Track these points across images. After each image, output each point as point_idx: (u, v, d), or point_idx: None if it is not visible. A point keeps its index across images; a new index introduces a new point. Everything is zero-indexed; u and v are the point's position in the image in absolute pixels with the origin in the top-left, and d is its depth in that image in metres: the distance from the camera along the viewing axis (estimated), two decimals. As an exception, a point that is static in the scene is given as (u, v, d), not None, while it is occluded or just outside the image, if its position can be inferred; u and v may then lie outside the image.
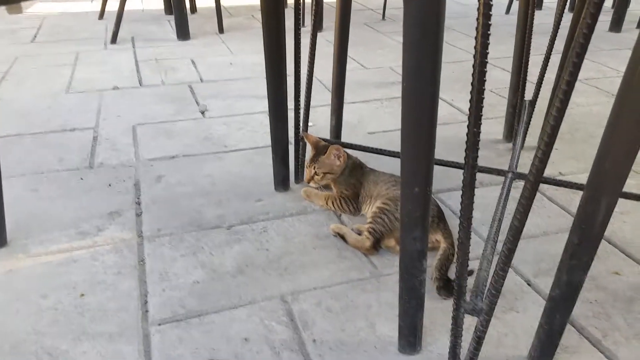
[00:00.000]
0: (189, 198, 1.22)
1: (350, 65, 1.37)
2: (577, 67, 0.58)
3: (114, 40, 2.49)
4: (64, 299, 0.91)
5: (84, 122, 1.63)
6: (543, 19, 2.70)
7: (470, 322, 0.83)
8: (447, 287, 0.92)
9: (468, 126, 0.61)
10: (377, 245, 1.03)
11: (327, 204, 1.19)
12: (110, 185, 1.27)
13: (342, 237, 1.07)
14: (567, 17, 1.27)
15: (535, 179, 0.62)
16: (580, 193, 0.68)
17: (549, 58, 1.33)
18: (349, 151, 1.24)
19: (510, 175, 1.11)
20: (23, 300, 0.91)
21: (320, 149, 1.20)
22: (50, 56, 2.29)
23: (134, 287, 0.94)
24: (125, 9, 2.50)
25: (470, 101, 0.59)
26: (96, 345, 0.81)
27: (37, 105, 1.75)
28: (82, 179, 1.30)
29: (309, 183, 1.22)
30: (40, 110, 1.71)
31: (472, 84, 0.59)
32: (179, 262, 1.00)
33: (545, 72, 1.34)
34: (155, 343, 0.82)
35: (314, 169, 1.19)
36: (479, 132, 0.60)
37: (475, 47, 0.57)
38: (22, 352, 0.80)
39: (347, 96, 1.39)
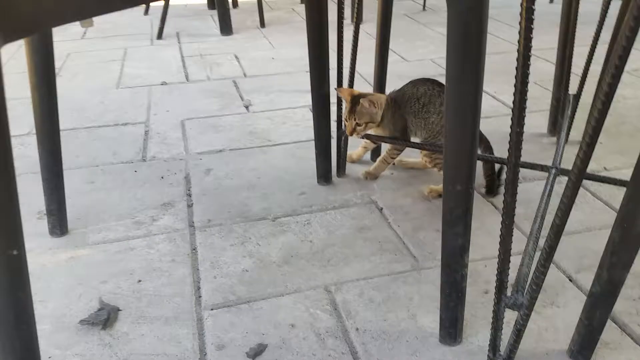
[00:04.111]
0: (236, 191, 1.27)
1: (390, 58, 1.39)
2: (626, 51, 0.57)
3: (159, 36, 2.57)
4: (123, 284, 0.98)
5: (135, 116, 1.71)
6: (589, 7, 2.62)
7: (510, 316, 0.85)
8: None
9: (511, 127, 0.63)
10: None
11: (387, 162, 1.30)
12: (162, 177, 1.34)
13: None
14: (615, 5, 1.24)
15: (577, 179, 0.63)
16: (625, 189, 0.69)
17: (595, 49, 1.30)
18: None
19: (553, 171, 1.11)
20: (85, 285, 0.98)
21: (355, 100, 1.21)
22: (99, 52, 2.39)
23: (187, 274, 1.00)
24: (169, 4, 2.58)
25: (513, 102, 0.61)
26: (153, 328, 0.87)
27: (90, 100, 1.85)
28: (135, 171, 1.37)
29: (351, 135, 1.24)
30: (93, 105, 1.80)
31: (515, 85, 0.61)
32: (229, 252, 1.05)
33: (590, 64, 1.32)
34: (208, 327, 0.87)
35: (355, 120, 1.21)
36: (522, 133, 0.62)
37: (518, 50, 0.59)
38: (86, 334, 0.87)
39: (388, 89, 1.41)
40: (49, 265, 1.03)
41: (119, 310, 0.91)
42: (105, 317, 0.89)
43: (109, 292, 0.96)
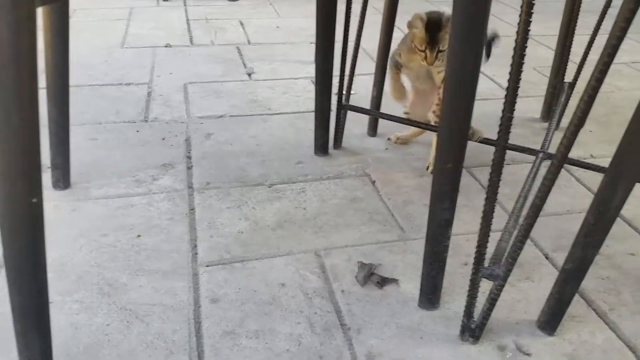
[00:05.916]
0: (235, 156, 1.31)
1: (395, 34, 1.41)
2: (620, 39, 0.61)
3: (166, -3, 2.57)
4: (122, 238, 1.02)
5: (139, 77, 1.73)
6: (596, -4, 2.63)
7: (486, 287, 0.90)
8: None
9: (503, 111, 0.67)
10: None
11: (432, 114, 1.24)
12: (163, 139, 1.37)
13: None
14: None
15: (559, 162, 0.68)
16: (604, 176, 0.73)
17: (595, 38, 1.32)
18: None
19: (541, 155, 1.15)
20: (86, 237, 1.02)
21: (433, 25, 1.10)
22: (105, 10, 2.39)
23: (185, 232, 1.04)
24: (177, -34, 2.57)
25: (507, 89, 0.65)
26: (151, 280, 0.93)
27: (94, 58, 1.86)
28: (138, 131, 1.40)
29: (432, 65, 1.15)
30: (97, 64, 1.82)
31: (509, 78, 0.64)
32: (225, 213, 1.10)
33: (588, 53, 1.35)
34: (203, 282, 0.92)
35: (438, 47, 1.11)
36: (512, 117, 0.66)
37: (515, 41, 0.62)
38: (86, 282, 0.92)
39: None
40: (52, 217, 1.07)
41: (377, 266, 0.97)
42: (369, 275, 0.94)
43: (108, 245, 1.00)
